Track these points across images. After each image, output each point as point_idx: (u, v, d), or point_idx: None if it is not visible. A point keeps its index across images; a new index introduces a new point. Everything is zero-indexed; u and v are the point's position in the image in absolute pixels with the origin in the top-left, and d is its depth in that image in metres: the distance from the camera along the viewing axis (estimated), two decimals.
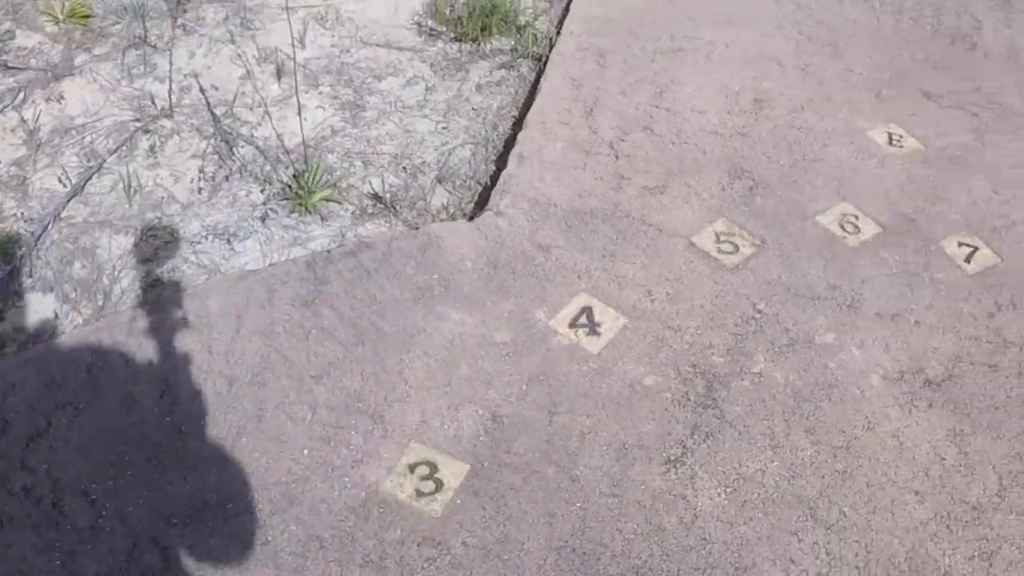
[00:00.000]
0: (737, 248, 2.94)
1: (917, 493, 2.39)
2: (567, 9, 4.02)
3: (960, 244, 3.08)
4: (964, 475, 2.43)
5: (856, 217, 3.12)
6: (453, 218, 2.98)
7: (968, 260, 3.03)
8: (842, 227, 3.08)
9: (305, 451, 2.31)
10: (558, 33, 3.81)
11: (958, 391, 2.64)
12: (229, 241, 2.83)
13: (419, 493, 2.28)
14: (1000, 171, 3.40)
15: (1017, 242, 3.15)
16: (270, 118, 3.21)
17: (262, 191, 2.98)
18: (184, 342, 2.52)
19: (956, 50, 4.11)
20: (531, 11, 3.88)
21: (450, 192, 3.09)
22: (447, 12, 3.77)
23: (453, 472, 2.34)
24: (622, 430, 2.44)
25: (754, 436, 2.46)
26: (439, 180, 3.12)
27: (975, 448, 2.50)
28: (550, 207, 3.02)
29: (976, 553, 2.28)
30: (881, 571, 2.22)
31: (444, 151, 3.23)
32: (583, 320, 2.68)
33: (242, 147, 3.07)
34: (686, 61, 3.78)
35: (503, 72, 3.64)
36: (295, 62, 3.44)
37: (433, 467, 2.35)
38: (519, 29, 3.79)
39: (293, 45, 3.38)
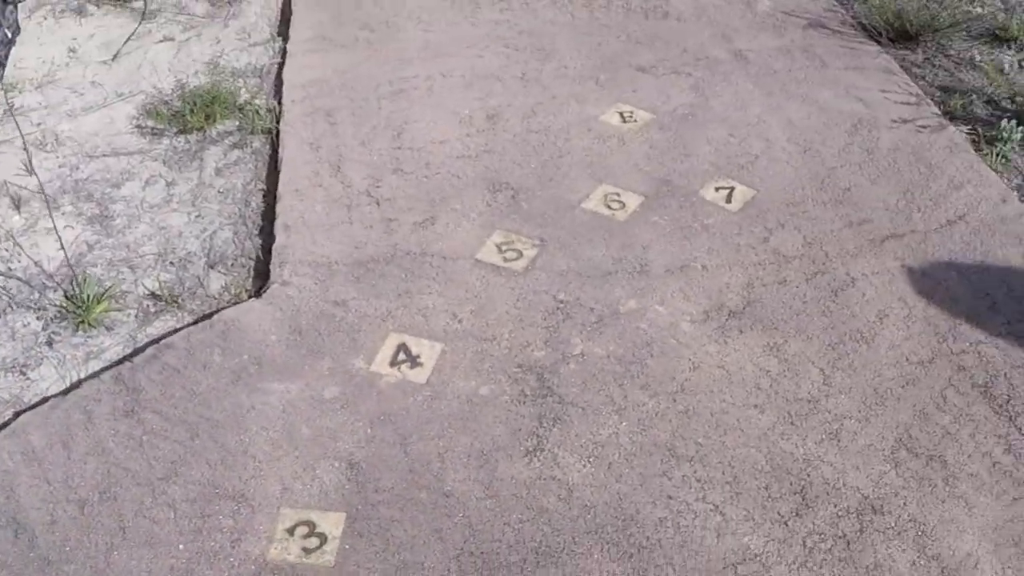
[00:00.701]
0: (520, 253, 3.33)
1: (756, 406, 2.83)
2: (280, 80, 4.32)
3: (717, 189, 3.59)
4: (790, 378, 2.91)
5: (617, 194, 3.58)
6: (238, 298, 3.22)
7: (729, 200, 3.55)
8: (608, 206, 3.53)
9: (180, 546, 2.49)
10: (280, 104, 4.13)
11: (760, 312, 3.15)
12: (22, 372, 2.98)
13: (306, 551, 2.49)
14: (728, 116, 3.99)
15: (764, 172, 3.72)
16: (22, 249, 3.38)
17: (38, 318, 3.15)
18: (19, 480, 2.65)
19: (652, 23, 4.72)
20: (244, 90, 4.19)
21: (225, 273, 3.34)
22: (164, 110, 4.03)
23: (331, 523, 2.56)
24: (475, 440, 2.75)
25: (597, 407, 2.83)
26: (210, 266, 3.37)
27: (791, 353, 3.01)
28: (332, 265, 3.31)
29: (823, 436, 2.76)
30: (749, 479, 2.64)
31: (205, 237, 3.47)
32: (401, 356, 2.98)
33: (2, 283, 3.23)
34: (411, 99, 4.18)
35: (237, 152, 3.93)
36: (30, 190, 3.61)
37: (311, 525, 2.55)
38: (240, 109, 4.10)
39: (30, 172, 3.55)
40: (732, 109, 4.02)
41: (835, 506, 2.62)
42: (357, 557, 2.48)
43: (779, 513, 2.60)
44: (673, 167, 3.73)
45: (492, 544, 2.50)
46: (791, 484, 2.65)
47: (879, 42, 4.72)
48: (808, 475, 2.68)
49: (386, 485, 2.64)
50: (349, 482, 2.66)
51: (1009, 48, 4.74)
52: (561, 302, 3.15)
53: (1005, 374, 2.99)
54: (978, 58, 4.67)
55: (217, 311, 3.17)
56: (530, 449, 2.73)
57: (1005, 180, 3.85)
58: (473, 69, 4.41)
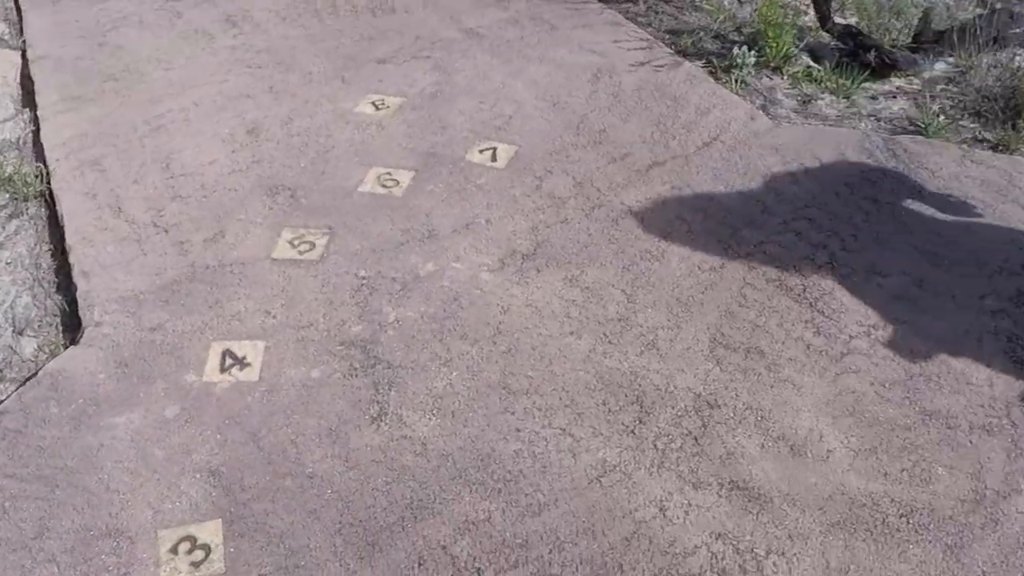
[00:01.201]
0: (313, 244, 3.42)
1: (572, 333, 3.01)
2: (39, 145, 4.25)
3: (481, 151, 3.77)
4: (596, 303, 3.12)
5: (389, 173, 3.71)
6: (55, 353, 3.20)
7: (494, 159, 3.73)
8: (384, 186, 3.65)
9: None
10: (45, 166, 4.07)
11: (551, 250, 3.35)
12: None
13: (195, 565, 2.51)
14: (474, 88, 4.20)
15: (521, 129, 3.94)
16: None
17: None
18: None
19: (382, 19, 4.89)
20: (7, 164, 4.11)
21: (34, 336, 3.30)
22: None
23: (210, 532, 2.58)
24: (321, 420, 2.83)
25: (425, 364, 2.96)
26: (18, 333, 3.32)
27: (591, 282, 3.22)
28: (139, 296, 3.31)
29: (642, 348, 2.98)
30: (586, 399, 2.85)
31: (4, 309, 3.42)
32: (229, 361, 3.02)
33: None
34: (171, 132, 4.19)
35: (15, 222, 3.85)
36: None
37: (192, 539, 2.57)
38: (8, 181, 4.01)
39: None
40: (476, 80, 4.21)
41: (673, 408, 2.83)
42: (245, 557, 2.52)
43: (623, 424, 2.78)
44: (434, 140, 3.90)
45: (367, 511, 2.59)
46: (626, 396, 2.83)
47: (602, 0, 4.98)
48: (639, 385, 2.88)
49: (250, 482, 2.68)
50: (215, 489, 2.69)
51: None
52: (363, 278, 3.26)
53: (794, 266, 3.28)
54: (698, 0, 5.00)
55: (40, 368, 3.10)
56: (375, 416, 2.81)
57: (748, 101, 4.17)
58: (223, 93, 4.45)
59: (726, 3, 4.98)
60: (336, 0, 5.06)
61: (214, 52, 4.77)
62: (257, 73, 4.55)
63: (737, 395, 2.88)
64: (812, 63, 4.60)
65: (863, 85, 4.50)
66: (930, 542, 2.56)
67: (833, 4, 4.75)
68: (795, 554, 2.52)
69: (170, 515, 2.62)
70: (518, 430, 2.73)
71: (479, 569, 2.45)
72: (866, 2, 4.83)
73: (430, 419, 2.78)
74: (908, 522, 2.61)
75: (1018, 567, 2.50)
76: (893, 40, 4.74)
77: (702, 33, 4.64)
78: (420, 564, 2.46)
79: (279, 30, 4.88)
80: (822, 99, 4.36)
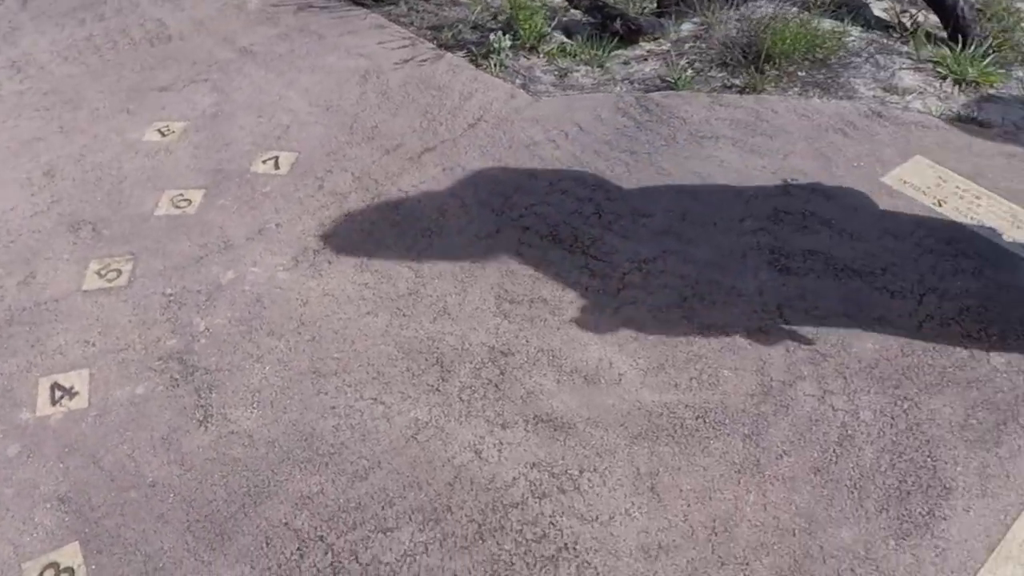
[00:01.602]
0: (119, 271, 3.57)
1: (369, 313, 3.26)
2: None
3: (264, 161, 3.98)
4: (387, 282, 3.40)
5: (181, 194, 3.90)
6: None
7: (277, 167, 3.95)
8: (177, 206, 3.83)
9: None
10: None
11: (339, 242, 3.64)
12: None
13: None
14: (252, 103, 4.41)
15: (299, 136, 4.18)
16: None
17: None
18: None
19: (159, 48, 5.02)
20: None
21: None
22: None
23: (70, 555, 2.73)
24: (152, 432, 3.01)
25: (239, 364, 3.19)
26: None
27: (379, 264, 3.50)
28: None
29: (435, 315, 3.30)
30: (390, 368, 3.13)
31: None
32: (58, 394, 3.15)
33: None
34: None
35: None
36: None
37: (55, 566, 2.71)
38: None
39: None
40: (253, 96, 4.40)
41: (471, 363, 3.11)
42: (107, 571, 2.67)
43: (428, 384, 3.05)
44: (220, 157, 4.08)
45: (209, 506, 2.78)
46: (426, 360, 3.11)
47: (365, 5, 5.24)
48: (437, 348, 3.15)
49: (98, 501, 2.84)
50: (67, 514, 2.83)
51: None
52: (170, 295, 3.43)
53: (564, 221, 3.61)
54: None
55: None
56: (201, 419, 3.00)
57: (508, 82, 4.47)
58: (15, 139, 4.51)
59: None
60: (114, 35, 5.16)
61: (1, 99, 4.82)
62: (46, 115, 4.62)
63: (528, 341, 3.17)
64: (566, 39, 4.85)
65: (615, 53, 4.81)
66: (728, 435, 2.93)
67: None
68: (606, 468, 2.83)
69: (30, 547, 2.75)
70: (333, 407, 2.96)
71: (322, 536, 2.67)
72: None
73: (252, 412, 2.99)
74: (704, 422, 2.96)
75: (812, 441, 2.92)
76: (640, 8, 5.06)
77: (461, 25, 4.89)
78: (268, 543, 2.66)
79: (63, 70, 4.96)
80: (578, 71, 4.66)
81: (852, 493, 2.84)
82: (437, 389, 3.04)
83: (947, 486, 2.86)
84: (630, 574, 2.61)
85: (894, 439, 2.95)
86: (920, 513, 2.80)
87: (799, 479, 2.84)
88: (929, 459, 2.93)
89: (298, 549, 2.65)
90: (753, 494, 2.81)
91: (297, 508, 2.75)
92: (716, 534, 2.72)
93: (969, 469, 2.91)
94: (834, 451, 2.93)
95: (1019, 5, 5.07)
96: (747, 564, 2.65)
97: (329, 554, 2.63)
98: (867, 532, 2.75)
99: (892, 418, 3.03)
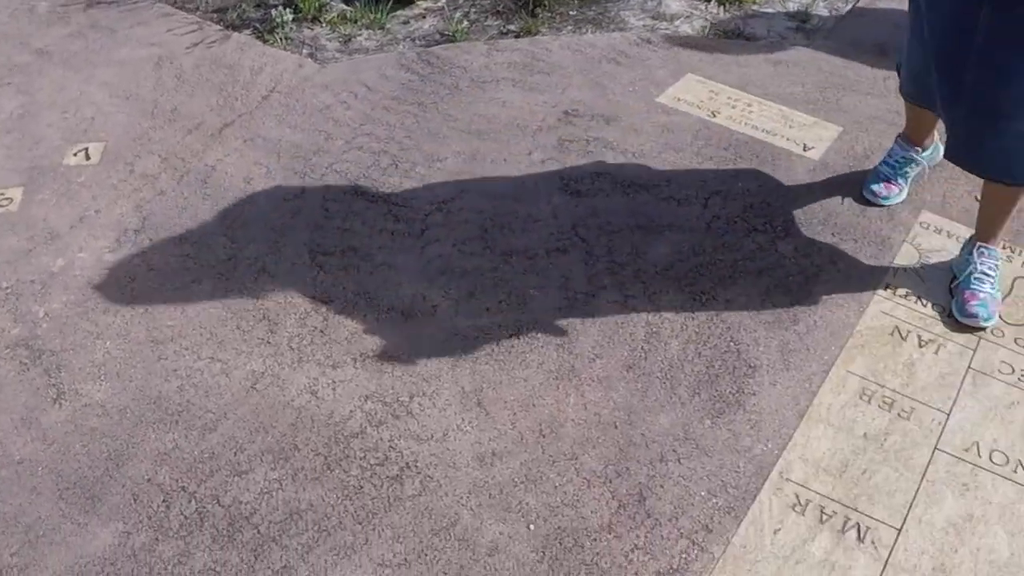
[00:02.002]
0: None
1: (195, 281, 3.47)
2: None
3: (75, 154, 4.11)
4: (205, 251, 3.62)
5: (3, 193, 3.95)
6: None
7: (88, 157, 4.09)
8: (0, 206, 3.96)
9: None
10: None
11: (156, 220, 3.80)
12: None
13: None
14: (55, 101, 4.48)
15: (104, 126, 4.31)
16: None
17: None
18: None
19: None
20: None
21: None
22: None
23: None
24: (12, 415, 3.07)
25: (82, 342, 3.35)
26: None
27: (196, 236, 3.71)
28: None
29: (255, 274, 3.56)
30: (221, 326, 3.37)
31: None
32: None
33: None
34: None
35: None
36: None
37: None
38: None
39: None
40: (56, 94, 4.46)
41: (295, 314, 3.37)
42: None
43: (259, 338, 3.29)
44: (32, 155, 4.14)
45: (76, 473, 2.92)
46: (254, 316, 3.34)
47: None
48: (263, 304, 3.39)
49: None
50: None
51: None
52: (6, 288, 3.51)
53: (363, 175, 3.89)
54: None
55: None
56: (55, 397, 3.13)
57: (295, 53, 4.70)
58: None
59: None
60: None
61: None
62: None
63: (345, 288, 3.42)
64: (345, 6, 5.08)
65: (394, 15, 5.06)
66: (542, 347, 3.28)
67: None
68: (433, 391, 3.13)
69: None
70: (175, 370, 3.16)
71: (183, 487, 2.87)
72: None
73: (101, 384, 3.14)
74: (519, 338, 3.28)
75: (621, 342, 3.30)
76: None
77: (244, 5, 5.05)
78: (135, 499, 2.84)
79: None
80: (360, 35, 4.90)
81: (664, 383, 3.20)
82: (268, 342, 3.25)
83: (752, 365, 3.26)
84: (469, 481, 2.89)
85: (697, 330, 3.34)
86: (730, 392, 3.19)
87: (613, 377, 3.20)
88: (732, 343, 3.33)
89: (164, 501, 2.82)
90: (573, 396, 3.15)
91: (157, 465, 2.93)
92: (544, 436, 3.04)
93: (771, 348, 3.32)
94: (642, 348, 3.30)
95: None
96: (576, 458, 2.97)
97: (192, 501, 2.83)
98: (683, 416, 3.11)
99: (692, 312, 3.41)
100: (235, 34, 4.84)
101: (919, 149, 3.72)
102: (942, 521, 2.88)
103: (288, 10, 4.89)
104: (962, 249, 3.46)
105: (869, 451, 3.00)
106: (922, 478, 2.99)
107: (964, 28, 2.91)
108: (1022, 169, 3.10)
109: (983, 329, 3.32)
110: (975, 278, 3.32)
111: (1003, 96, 2.93)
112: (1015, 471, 3.03)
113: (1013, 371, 3.32)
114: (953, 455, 3.07)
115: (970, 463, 3.05)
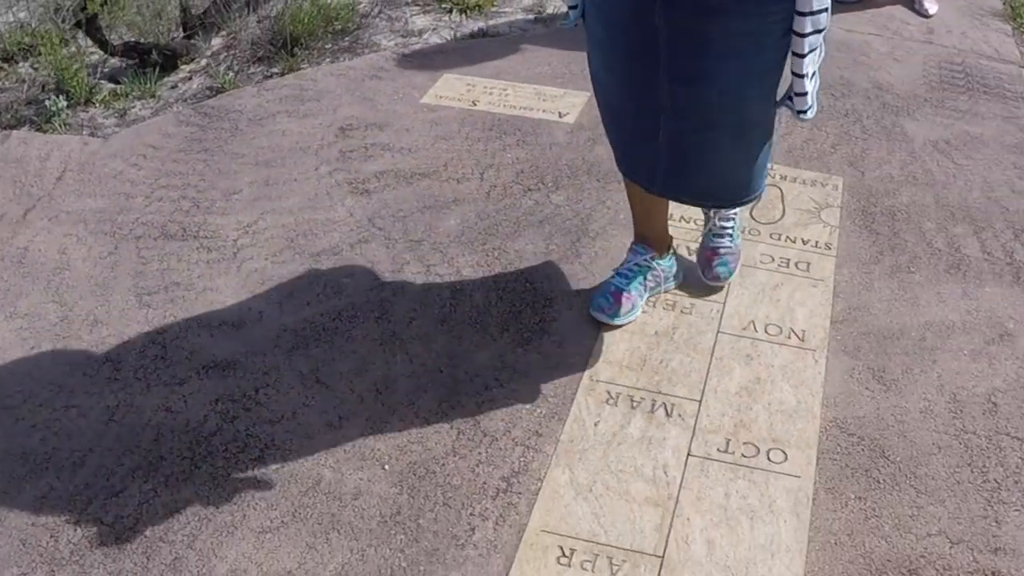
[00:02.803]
0: None
1: (40, 344, 3.78)
2: None
3: None
4: (73, 315, 3.87)
5: None
6: None
7: None
8: None
9: None
10: None
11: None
12: None
13: None
14: None
15: None
16: None
17: None
18: None
19: None
20: None
21: None
22: None
23: None
24: None
25: None
26: None
27: (65, 290, 3.91)
28: None
29: (90, 326, 3.79)
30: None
31: None
32: None
33: None
34: None
35: None
36: None
37: None
38: None
39: None
40: None
41: (134, 349, 3.67)
42: None
43: (105, 377, 3.57)
44: None
45: None
46: (97, 360, 3.59)
47: None
48: (102, 348, 3.65)
49: None
50: None
51: None
52: None
53: (169, 220, 4.27)
54: None
55: None
56: None
57: (78, 135, 5.04)
58: None
59: (20, 70, 5.61)
60: None
61: None
62: None
63: (175, 316, 3.71)
64: (114, 84, 5.38)
65: (162, 81, 5.37)
66: (363, 322, 3.66)
67: (105, 31, 5.52)
68: (275, 380, 3.46)
69: None
70: (33, 426, 3.38)
71: (66, 520, 3.09)
72: (132, 18, 5.70)
73: None
74: (341, 320, 3.70)
75: (431, 303, 3.71)
76: (170, 37, 5.66)
77: (16, 105, 5.29)
78: (24, 543, 3.00)
79: None
80: (135, 107, 5.20)
81: (476, 327, 3.65)
82: (114, 379, 3.50)
83: (548, 297, 3.73)
84: (324, 444, 3.26)
85: (495, 280, 3.79)
86: (534, 323, 3.66)
87: (431, 332, 3.61)
88: (528, 284, 3.80)
89: (51, 537, 3.03)
90: (399, 355, 3.54)
91: (37, 509, 3.13)
92: (381, 392, 3.41)
93: (562, 280, 3.82)
94: (450, 304, 3.73)
95: None
96: (413, 404, 3.37)
97: (78, 529, 3.06)
98: (498, 349, 3.56)
99: (489, 267, 3.86)
100: (14, 132, 5.05)
101: (655, 254, 3.47)
102: (735, 387, 3.37)
103: (61, 97, 5.12)
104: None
105: (662, 345, 3.50)
106: (711, 356, 3.48)
107: (646, 55, 2.73)
108: (738, 190, 3.04)
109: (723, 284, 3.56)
110: (715, 234, 3.49)
111: (703, 107, 2.75)
112: (789, 338, 3.56)
113: (773, 260, 3.88)
114: (734, 335, 3.57)
115: (750, 338, 3.56)
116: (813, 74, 2.67)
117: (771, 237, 3.82)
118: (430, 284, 3.79)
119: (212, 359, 3.56)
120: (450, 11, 5.80)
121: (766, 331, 3.47)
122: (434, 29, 5.65)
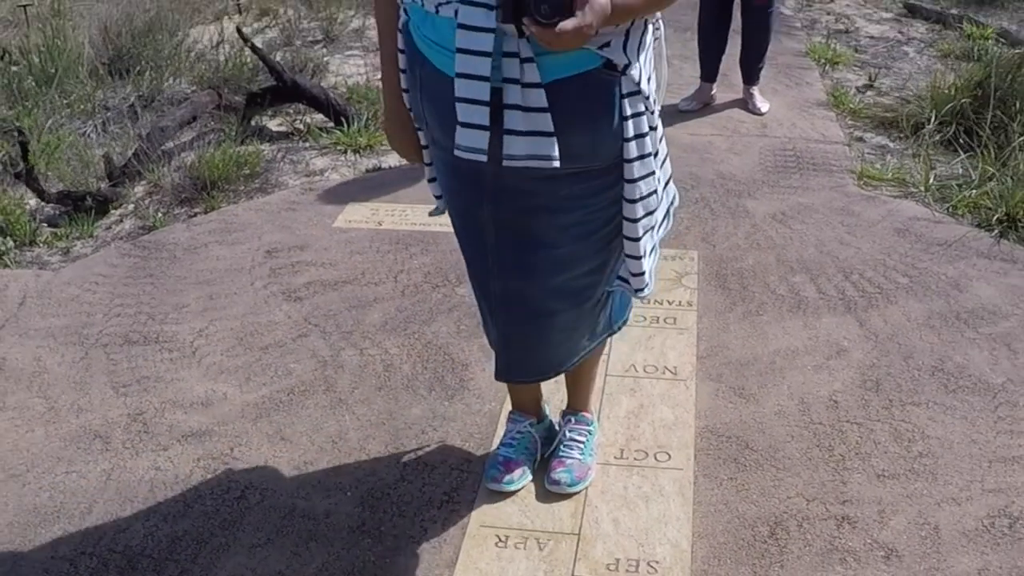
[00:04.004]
0: None
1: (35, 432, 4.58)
2: None
3: None
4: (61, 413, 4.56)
5: None
6: None
7: None
8: None
9: None
10: None
11: None
12: None
13: None
14: None
15: None
16: None
17: None
18: None
19: None
20: None
21: None
22: None
23: None
24: None
25: None
26: None
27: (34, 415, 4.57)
28: None
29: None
30: None
31: None
32: None
33: None
34: None
35: None
36: None
37: None
38: None
39: None
40: None
41: (119, 428, 4.33)
42: None
43: (97, 450, 4.25)
44: None
45: None
46: (89, 446, 4.28)
47: None
48: (91, 431, 4.34)
49: None
50: None
51: None
52: None
53: (127, 341, 5.02)
54: None
55: None
56: None
57: (28, 269, 5.75)
58: None
59: None
60: None
61: None
62: None
63: (151, 401, 4.46)
64: (53, 228, 6.12)
65: (97, 224, 6.18)
66: (312, 393, 4.53)
67: (39, 178, 6.24)
68: (246, 441, 4.19)
69: None
70: (40, 487, 3.92)
71: (82, 552, 3.63)
72: (63, 171, 6.54)
73: None
74: (293, 395, 4.51)
75: (367, 376, 4.56)
76: (97, 187, 6.49)
77: None
78: (47, 572, 3.48)
79: None
80: (76, 245, 5.95)
81: (408, 390, 4.44)
82: (106, 450, 4.14)
83: (464, 363, 4.57)
84: (295, 482, 4.03)
85: (419, 355, 4.66)
86: (456, 382, 4.47)
87: (371, 397, 4.42)
88: (446, 355, 4.65)
89: (71, 564, 3.56)
90: (347, 416, 4.38)
91: (54, 547, 3.70)
92: (336, 443, 4.21)
93: (473, 350, 4.63)
94: (384, 375, 4.54)
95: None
96: (365, 449, 4.22)
97: (94, 558, 3.66)
98: (429, 405, 4.34)
99: (411, 345, 4.74)
100: None
101: (534, 420, 3.67)
102: (623, 413, 4.21)
103: (8, 239, 5.84)
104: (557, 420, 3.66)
105: (562, 390, 4.20)
106: (602, 394, 4.33)
107: (480, 248, 2.93)
108: (577, 353, 3.23)
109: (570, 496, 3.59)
110: (564, 445, 3.61)
111: (531, 289, 2.89)
112: (663, 373, 4.43)
113: (645, 319, 4.78)
114: (618, 376, 4.42)
115: (632, 376, 4.43)
116: (653, 249, 2.75)
117: (641, 302, 4.19)
118: (365, 362, 4.60)
119: (190, 430, 4.27)
120: (344, 152, 6.85)
121: (644, 370, 4.20)
122: (334, 168, 6.66)
